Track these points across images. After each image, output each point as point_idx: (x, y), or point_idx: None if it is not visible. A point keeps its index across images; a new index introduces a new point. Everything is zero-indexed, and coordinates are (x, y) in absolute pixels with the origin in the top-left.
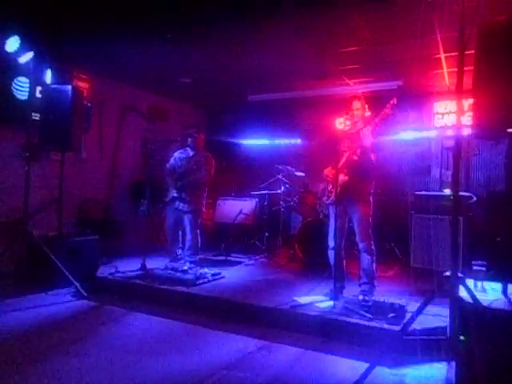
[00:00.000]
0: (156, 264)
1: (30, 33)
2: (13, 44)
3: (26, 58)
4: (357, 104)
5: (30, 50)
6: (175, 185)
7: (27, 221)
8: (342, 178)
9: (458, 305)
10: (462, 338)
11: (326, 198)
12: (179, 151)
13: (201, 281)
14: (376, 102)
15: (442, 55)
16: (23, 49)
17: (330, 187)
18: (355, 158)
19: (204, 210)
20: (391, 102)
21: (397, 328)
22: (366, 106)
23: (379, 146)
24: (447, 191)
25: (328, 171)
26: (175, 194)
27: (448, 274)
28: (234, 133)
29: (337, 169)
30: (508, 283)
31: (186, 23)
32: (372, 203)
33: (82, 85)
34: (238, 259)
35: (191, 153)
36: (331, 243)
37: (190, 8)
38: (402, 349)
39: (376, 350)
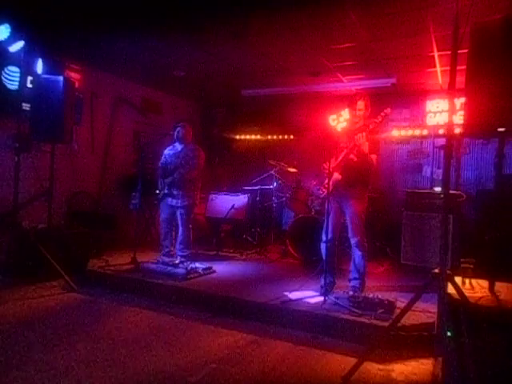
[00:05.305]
0: (147, 258)
1: (21, 21)
2: (3, 32)
3: (16, 46)
4: (361, 105)
5: (21, 39)
6: (166, 181)
7: (17, 212)
8: (336, 176)
9: (446, 301)
10: (449, 334)
11: (320, 192)
12: (168, 148)
13: (192, 275)
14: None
15: (436, 54)
16: (14, 37)
17: (325, 181)
18: (354, 159)
19: (197, 204)
20: (385, 111)
21: (386, 324)
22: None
23: (378, 146)
24: (438, 189)
25: (327, 165)
26: (166, 191)
27: (437, 270)
28: (227, 127)
29: (329, 166)
30: (495, 280)
31: (179, 16)
32: (366, 200)
33: (74, 76)
34: (229, 254)
35: (179, 147)
36: (324, 237)
37: (185, 1)
38: (391, 344)
39: (365, 345)
